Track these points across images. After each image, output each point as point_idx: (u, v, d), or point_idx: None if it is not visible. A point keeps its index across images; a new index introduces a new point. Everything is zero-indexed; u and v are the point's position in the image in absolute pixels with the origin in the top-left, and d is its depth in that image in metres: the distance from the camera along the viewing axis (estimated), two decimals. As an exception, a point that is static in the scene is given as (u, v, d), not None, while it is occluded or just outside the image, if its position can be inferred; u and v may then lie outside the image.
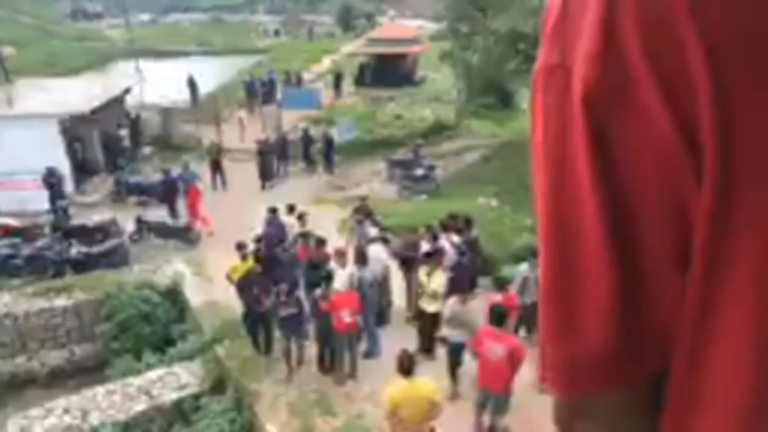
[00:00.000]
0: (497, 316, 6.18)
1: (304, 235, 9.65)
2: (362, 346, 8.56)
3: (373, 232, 10.38)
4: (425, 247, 9.16)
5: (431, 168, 17.20)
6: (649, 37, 0.51)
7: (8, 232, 13.32)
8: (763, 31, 0.49)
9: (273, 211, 11.21)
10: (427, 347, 8.30)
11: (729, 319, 0.53)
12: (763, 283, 0.51)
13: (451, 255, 8.79)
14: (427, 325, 8.29)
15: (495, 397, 6.32)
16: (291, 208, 11.35)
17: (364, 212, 11.27)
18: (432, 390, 5.69)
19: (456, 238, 9.25)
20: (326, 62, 31.16)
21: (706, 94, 0.50)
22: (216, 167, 17.14)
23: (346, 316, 7.76)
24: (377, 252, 9.11)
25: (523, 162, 12.32)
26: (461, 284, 8.24)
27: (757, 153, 0.50)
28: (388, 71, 25.69)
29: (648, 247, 0.55)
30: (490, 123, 21.12)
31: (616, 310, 0.56)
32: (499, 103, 22.24)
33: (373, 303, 8.57)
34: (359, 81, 26.63)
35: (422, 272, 8.23)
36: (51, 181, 15.29)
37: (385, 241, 9.63)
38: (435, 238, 9.13)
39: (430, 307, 8.08)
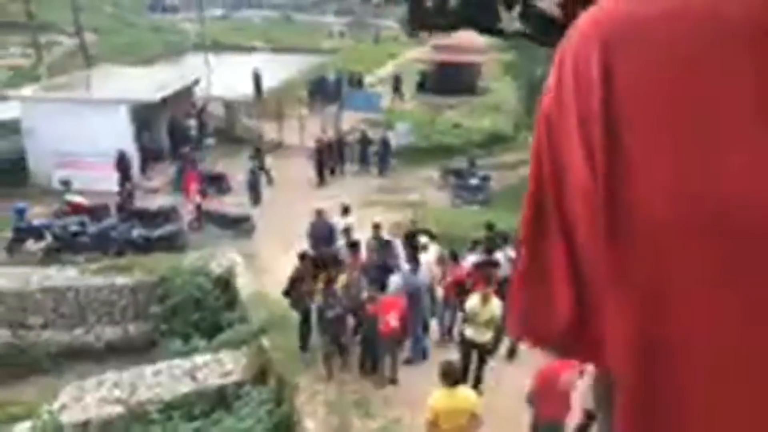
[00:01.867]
0: None
1: (354, 245, 9.67)
2: (405, 352, 8.57)
3: (423, 240, 10.40)
4: (470, 259, 9.10)
5: (485, 179, 17.07)
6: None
7: (77, 210, 14.03)
8: None
9: (319, 213, 11.28)
10: (474, 383, 7.47)
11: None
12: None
13: (505, 269, 8.71)
14: (472, 356, 7.51)
15: (561, 426, 6.12)
16: (345, 210, 11.47)
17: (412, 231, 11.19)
18: (474, 403, 5.66)
19: (512, 253, 9.15)
20: (390, 66, 31.36)
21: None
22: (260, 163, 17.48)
23: (392, 320, 7.81)
24: (428, 260, 9.12)
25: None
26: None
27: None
28: (450, 79, 25.63)
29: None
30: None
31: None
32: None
33: (421, 310, 8.57)
34: (421, 87, 26.68)
35: (474, 297, 7.38)
36: (121, 164, 16.02)
37: (455, 257, 9.42)
38: (489, 251, 9.03)
39: (480, 336, 7.35)
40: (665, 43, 0.57)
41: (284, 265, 9.60)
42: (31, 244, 13.41)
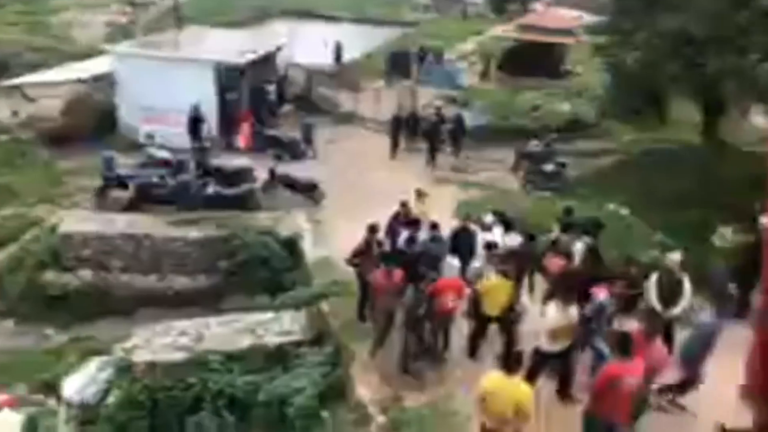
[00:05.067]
0: (624, 345, 5.77)
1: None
2: None
3: (488, 219, 10.25)
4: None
5: (562, 165, 16.47)
6: None
7: (158, 163, 14.67)
8: None
9: (404, 204, 10.45)
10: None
11: None
12: None
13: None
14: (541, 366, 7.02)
15: (615, 429, 5.84)
16: (419, 194, 11.22)
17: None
18: (524, 394, 5.49)
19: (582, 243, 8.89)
20: (471, 43, 30.71)
21: None
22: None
23: (449, 301, 7.78)
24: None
25: (665, 174, 11.49)
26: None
27: None
28: (533, 60, 24.78)
29: None
30: (633, 128, 19.77)
31: None
32: (649, 109, 20.68)
33: None
34: (502, 67, 25.98)
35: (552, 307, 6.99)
36: (195, 118, 16.57)
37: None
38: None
39: (548, 346, 6.91)
40: None
41: (350, 234, 9.68)
42: (116, 192, 14.19)
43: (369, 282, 8.55)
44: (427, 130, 17.89)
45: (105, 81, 18.55)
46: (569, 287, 7.16)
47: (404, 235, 9.38)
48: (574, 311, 6.91)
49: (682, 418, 6.91)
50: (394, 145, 17.82)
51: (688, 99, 18.62)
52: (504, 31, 28.67)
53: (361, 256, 8.88)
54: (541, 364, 6.93)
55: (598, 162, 18.16)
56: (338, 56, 25.06)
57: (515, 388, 5.49)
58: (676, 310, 7.80)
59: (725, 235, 10.17)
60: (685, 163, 15.69)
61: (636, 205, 13.47)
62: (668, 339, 7.79)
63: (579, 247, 8.71)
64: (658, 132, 19.33)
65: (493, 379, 5.59)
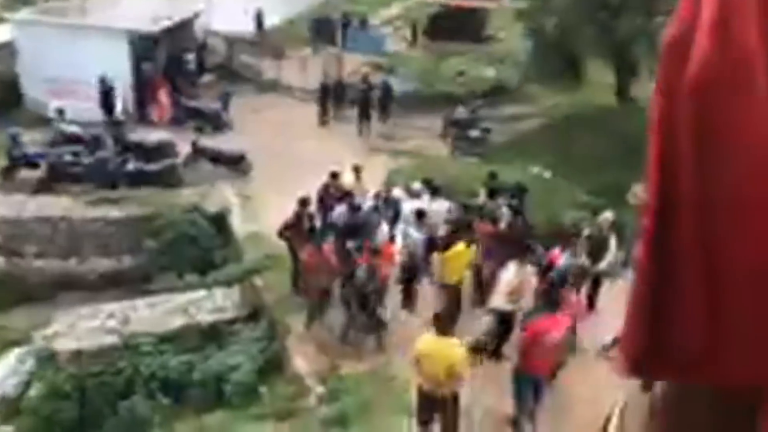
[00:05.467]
0: (553, 301, 6.05)
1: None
2: None
3: (416, 186, 10.36)
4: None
5: (487, 130, 16.82)
6: None
7: (72, 140, 13.75)
8: None
9: (334, 176, 10.22)
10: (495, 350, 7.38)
11: None
12: None
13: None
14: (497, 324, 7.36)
15: (540, 383, 6.16)
16: (356, 170, 10.79)
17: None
18: (457, 354, 5.66)
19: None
20: (396, 8, 30.42)
21: None
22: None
23: (384, 267, 7.85)
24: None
25: (585, 136, 11.92)
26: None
27: None
28: (456, 24, 24.91)
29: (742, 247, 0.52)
30: (554, 92, 20.39)
31: None
32: (568, 73, 21.39)
33: None
34: (428, 32, 25.96)
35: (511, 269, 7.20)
36: (105, 92, 15.63)
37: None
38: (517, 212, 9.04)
39: (505, 305, 7.15)
40: None
41: (280, 207, 9.52)
42: (24, 172, 13.24)
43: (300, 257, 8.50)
44: (355, 98, 17.73)
45: (5, 51, 17.12)
46: (502, 250, 7.42)
47: (339, 209, 9.28)
48: (529, 271, 7.17)
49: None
50: (323, 114, 17.55)
51: (604, 61, 19.40)
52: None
53: (292, 229, 8.77)
54: (498, 323, 7.22)
55: (521, 126, 18.65)
56: (260, 23, 24.18)
57: (449, 350, 5.64)
58: (602, 266, 8.26)
59: (638, 193, 10.77)
60: (603, 125, 16.40)
61: (558, 168, 13.99)
62: (594, 292, 8.28)
63: (505, 211, 8.97)
64: (577, 94, 20.02)
65: (427, 341, 5.73)
